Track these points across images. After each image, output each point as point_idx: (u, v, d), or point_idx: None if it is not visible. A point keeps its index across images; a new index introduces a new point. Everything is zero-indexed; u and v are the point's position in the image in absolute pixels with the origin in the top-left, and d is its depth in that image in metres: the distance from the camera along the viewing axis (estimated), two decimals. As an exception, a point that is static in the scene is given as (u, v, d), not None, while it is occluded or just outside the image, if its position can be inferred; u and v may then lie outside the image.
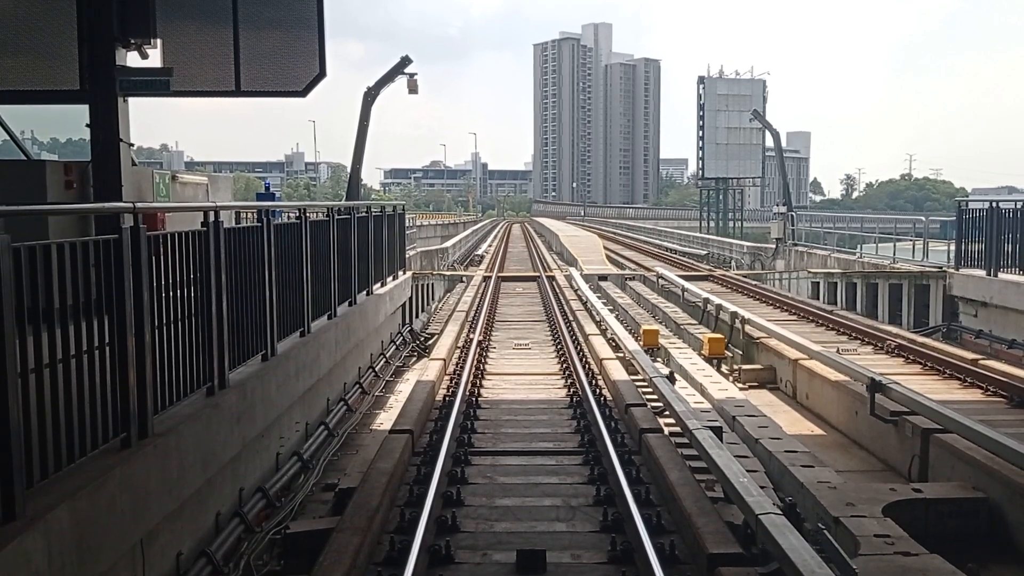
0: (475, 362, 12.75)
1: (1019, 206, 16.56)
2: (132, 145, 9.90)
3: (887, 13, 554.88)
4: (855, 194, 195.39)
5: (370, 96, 25.35)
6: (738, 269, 35.35)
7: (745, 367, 13.64)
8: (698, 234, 61.08)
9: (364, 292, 13.07)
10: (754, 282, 24.94)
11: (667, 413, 9.05)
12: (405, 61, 25.38)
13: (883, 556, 5.71)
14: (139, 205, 5.37)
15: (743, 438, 8.89)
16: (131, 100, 9.77)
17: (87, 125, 9.56)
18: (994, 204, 17.07)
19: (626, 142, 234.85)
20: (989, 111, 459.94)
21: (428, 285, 24.74)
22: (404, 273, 17.49)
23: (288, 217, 10.28)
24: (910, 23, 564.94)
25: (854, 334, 15.13)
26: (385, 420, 9.88)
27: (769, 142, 58.92)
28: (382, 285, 14.67)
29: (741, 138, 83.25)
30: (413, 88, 25.86)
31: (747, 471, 6.56)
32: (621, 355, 12.75)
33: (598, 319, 16.61)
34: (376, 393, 12.11)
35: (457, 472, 7.54)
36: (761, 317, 15.56)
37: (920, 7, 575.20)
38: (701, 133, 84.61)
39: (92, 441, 4.60)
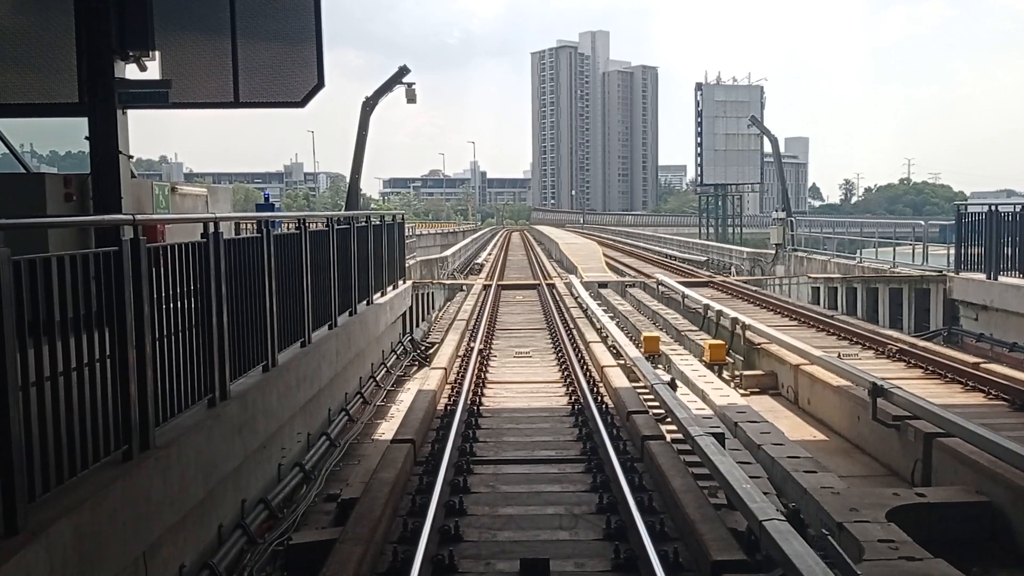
0: (476, 371, 12.74)
1: (1018, 209, 16.58)
2: (131, 157, 9.91)
3: (883, 19, 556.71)
4: (854, 199, 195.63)
5: (368, 106, 25.37)
6: (738, 275, 35.34)
7: (746, 373, 13.63)
8: (697, 240, 61.04)
9: (364, 302, 13.07)
10: (754, 288, 24.94)
11: (669, 420, 9.04)
12: (403, 71, 25.41)
13: (887, 561, 5.70)
14: (139, 217, 5.37)
15: (745, 444, 8.88)
16: (130, 112, 9.79)
17: (86, 138, 9.56)
18: (993, 207, 17.09)
19: (624, 149, 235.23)
20: (987, 115, 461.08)
21: (428, 294, 24.74)
22: (404, 282, 17.50)
23: (288, 228, 10.30)
24: (906, 29, 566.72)
25: (855, 339, 15.12)
26: (387, 430, 9.87)
27: (767, 148, 58.93)
28: (382, 295, 14.67)
29: (739, 144, 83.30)
30: (411, 97, 25.89)
31: (750, 477, 6.55)
32: (622, 362, 12.74)
33: (599, 326, 16.60)
34: (377, 403, 12.09)
35: (459, 481, 7.53)
36: (762, 323, 15.55)
37: (915, 14, 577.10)
38: (699, 139, 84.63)
39: (94, 454, 4.59)
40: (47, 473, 4.15)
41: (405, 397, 12.01)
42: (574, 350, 14.26)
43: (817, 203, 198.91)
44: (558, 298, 23.07)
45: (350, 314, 11.81)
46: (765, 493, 6.48)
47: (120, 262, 4.91)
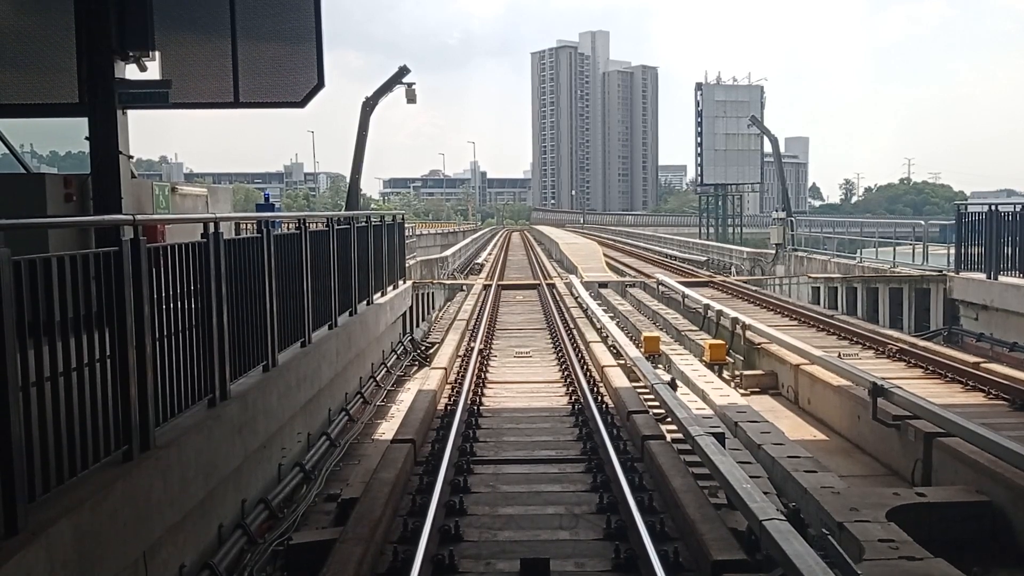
0: (476, 371, 12.74)
1: (1018, 209, 16.58)
2: (131, 157, 9.91)
3: (883, 19, 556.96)
4: (854, 199, 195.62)
5: (368, 106, 25.37)
6: (738, 275, 35.34)
7: (746, 373, 13.62)
8: (698, 240, 61.04)
9: (364, 302, 13.07)
10: (754, 288, 24.94)
11: (669, 420, 9.04)
12: (403, 71, 25.40)
13: (887, 561, 5.70)
14: (139, 217, 5.37)
15: (745, 444, 8.88)
16: (130, 112, 9.79)
17: (86, 138, 9.57)
18: (993, 207, 17.08)
19: (624, 149, 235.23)
20: (987, 115, 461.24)
21: (428, 294, 24.74)
22: (404, 282, 17.50)
23: (288, 228, 10.30)
24: (906, 29, 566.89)
25: (855, 339, 15.12)
26: (387, 430, 9.87)
27: (767, 148, 58.95)
28: (382, 295, 14.67)
29: (739, 144, 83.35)
30: (411, 98, 25.90)
31: (750, 477, 6.55)
32: (622, 362, 12.74)
33: (599, 326, 16.60)
34: (377, 403, 12.09)
35: (460, 481, 7.53)
36: (762, 323, 15.55)
37: (915, 13, 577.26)
38: (699, 139, 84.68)
39: (94, 454, 4.59)
40: (47, 473, 4.15)
41: (405, 397, 12.01)
42: (574, 350, 14.26)
43: (817, 203, 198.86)
44: (558, 298, 23.07)
45: (350, 314, 11.81)
46: (765, 493, 6.48)
47: (120, 262, 4.91)
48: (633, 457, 8.10)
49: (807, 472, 7.59)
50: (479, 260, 48.84)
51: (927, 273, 20.39)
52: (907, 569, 5.57)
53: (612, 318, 18.13)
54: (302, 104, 10.57)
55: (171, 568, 5.49)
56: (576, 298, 22.38)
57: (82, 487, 4.40)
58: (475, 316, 19.36)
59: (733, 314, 16.38)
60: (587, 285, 24.85)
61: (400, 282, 16.96)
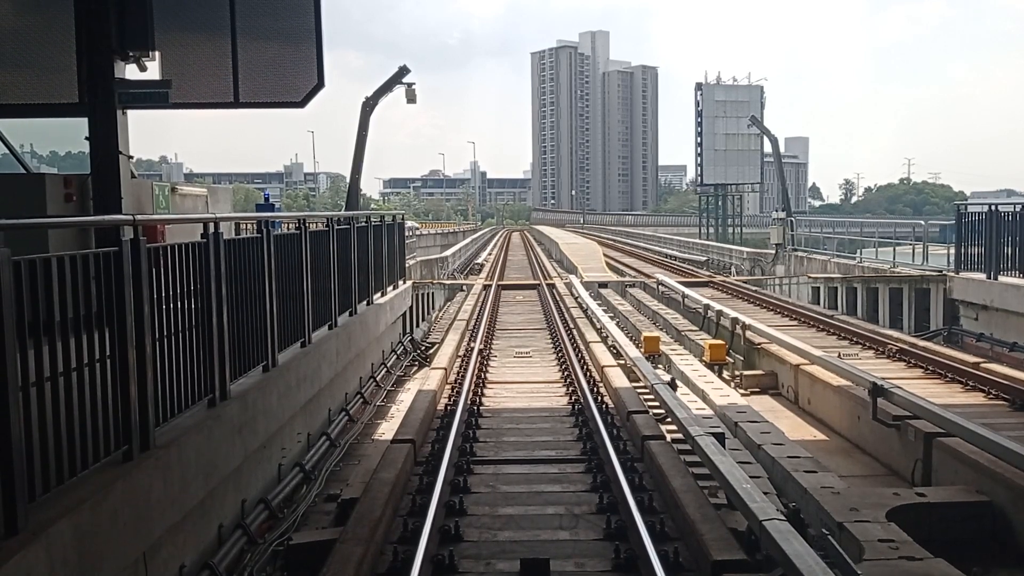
0: (476, 371, 12.74)
1: (1018, 209, 16.58)
2: (131, 157, 9.91)
3: (883, 19, 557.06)
4: (854, 199, 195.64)
5: (368, 106, 25.36)
6: (738, 275, 35.34)
7: (746, 373, 13.62)
8: (698, 240, 61.02)
9: (364, 302, 13.07)
10: (754, 288, 24.93)
11: (669, 420, 9.04)
12: (403, 71, 25.40)
13: (887, 561, 5.70)
14: (139, 217, 5.38)
15: (745, 444, 8.88)
16: (130, 112, 9.79)
17: (86, 138, 9.57)
18: (993, 207, 17.08)
19: (624, 149, 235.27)
20: (987, 115, 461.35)
21: (428, 294, 24.74)
22: (404, 282, 17.50)
23: (288, 228, 10.30)
24: (906, 29, 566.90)
25: (855, 339, 15.12)
26: (387, 430, 9.87)
27: (767, 148, 58.92)
28: (382, 295, 14.67)
29: (739, 144, 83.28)
30: (411, 98, 25.89)
31: (750, 477, 6.55)
32: (622, 362, 12.74)
33: (599, 326, 16.60)
34: (377, 403, 12.09)
35: (460, 481, 7.53)
36: (762, 323, 15.54)
37: (915, 13, 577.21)
38: (699, 139, 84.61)
39: (94, 454, 4.59)
40: (47, 473, 4.15)
41: (405, 397, 12.01)
42: (574, 350, 14.26)
43: (817, 203, 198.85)
44: (558, 298, 23.07)
45: (350, 314, 11.81)
46: (765, 493, 6.49)
47: (120, 262, 4.91)
48: (633, 457, 8.10)
49: (807, 472, 7.59)
50: (479, 260, 48.85)
51: (927, 273, 20.39)
52: (907, 569, 5.57)
53: (612, 318, 18.13)
54: (302, 104, 10.57)
55: (171, 568, 5.49)
56: (576, 298, 22.37)
57: (82, 487, 4.40)
58: (475, 316, 19.36)
59: (733, 314, 16.38)
60: (587, 285, 24.84)
61: (400, 282, 16.97)
